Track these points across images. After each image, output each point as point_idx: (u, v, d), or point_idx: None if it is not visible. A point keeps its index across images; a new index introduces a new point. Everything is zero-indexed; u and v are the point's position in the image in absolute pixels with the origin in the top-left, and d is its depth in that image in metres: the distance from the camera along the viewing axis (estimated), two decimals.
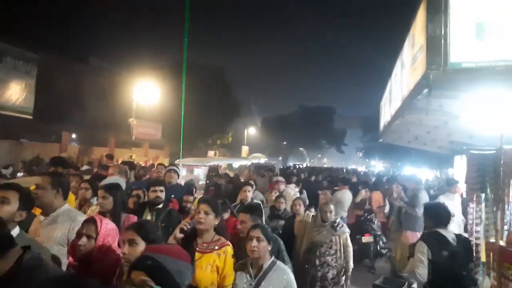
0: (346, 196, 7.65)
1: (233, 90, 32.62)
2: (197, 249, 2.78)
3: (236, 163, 15.63)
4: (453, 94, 3.96)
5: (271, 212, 5.57)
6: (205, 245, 2.81)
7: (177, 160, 12.40)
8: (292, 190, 7.73)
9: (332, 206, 4.65)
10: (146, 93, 20.43)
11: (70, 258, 2.22)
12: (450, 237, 3.31)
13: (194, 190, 5.79)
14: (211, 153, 24.39)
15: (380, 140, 11.44)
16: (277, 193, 6.32)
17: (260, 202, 5.65)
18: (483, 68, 3.43)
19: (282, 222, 5.31)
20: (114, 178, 4.21)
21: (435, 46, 3.56)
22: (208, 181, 9.89)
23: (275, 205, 5.65)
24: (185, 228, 2.79)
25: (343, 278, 4.48)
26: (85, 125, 22.57)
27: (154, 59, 27.26)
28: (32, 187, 2.99)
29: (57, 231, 2.78)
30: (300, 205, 5.37)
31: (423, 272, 3.19)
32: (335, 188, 8.34)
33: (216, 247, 2.80)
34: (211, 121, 27.15)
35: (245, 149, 32.13)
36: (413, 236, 6.30)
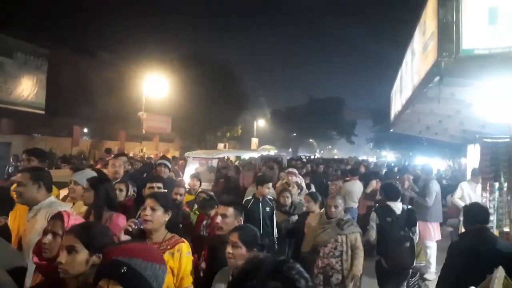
0: (356, 187, 7.60)
1: (242, 82, 32.59)
2: None
3: (246, 155, 15.65)
4: (466, 82, 3.87)
5: (276, 208, 4.97)
6: (155, 246, 2.46)
7: (187, 152, 12.48)
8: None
9: (339, 201, 4.09)
10: (155, 87, 20.49)
11: (35, 258, 2.02)
12: (397, 208, 4.30)
13: (199, 183, 5.47)
14: (220, 145, 24.47)
15: (391, 130, 11.30)
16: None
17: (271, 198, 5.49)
18: (497, 55, 3.33)
19: (295, 218, 4.90)
20: (87, 171, 3.95)
21: (447, 32, 3.46)
22: (217, 174, 9.95)
23: (279, 199, 5.03)
24: (131, 229, 2.47)
25: (351, 284, 3.90)
26: (96, 119, 22.86)
27: (163, 53, 27.34)
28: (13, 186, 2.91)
29: (38, 223, 2.68)
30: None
31: (372, 233, 4.29)
32: (346, 179, 8.29)
33: (168, 247, 2.49)
34: (220, 113, 27.17)
35: (254, 141, 32.17)
36: (425, 226, 6.24)
